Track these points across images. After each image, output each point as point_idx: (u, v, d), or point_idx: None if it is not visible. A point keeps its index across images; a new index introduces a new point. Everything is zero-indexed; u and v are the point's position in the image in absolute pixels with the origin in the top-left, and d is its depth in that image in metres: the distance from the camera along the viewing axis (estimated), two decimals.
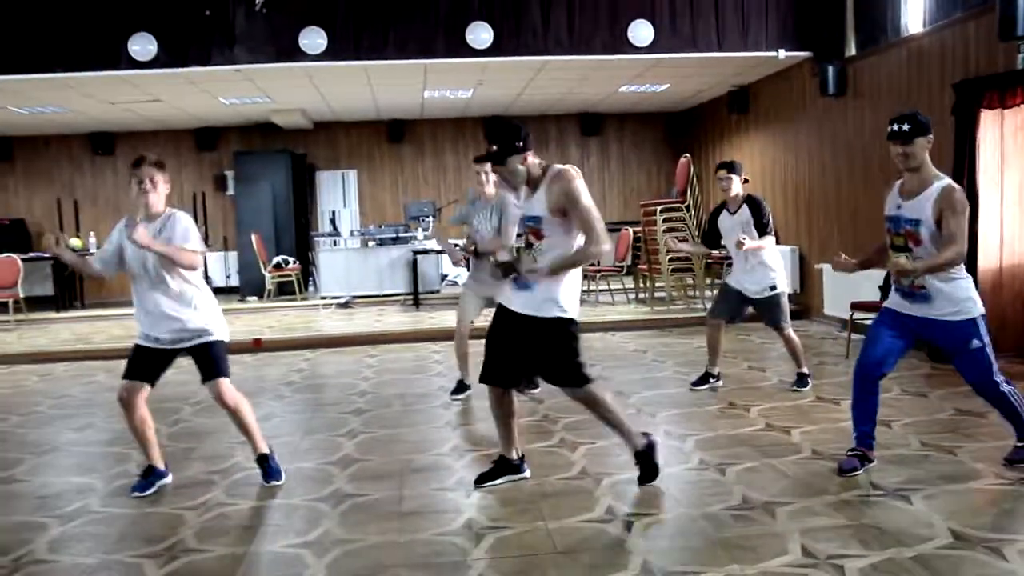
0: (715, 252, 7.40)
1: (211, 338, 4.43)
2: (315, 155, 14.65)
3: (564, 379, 4.18)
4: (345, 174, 14.82)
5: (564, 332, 4.08)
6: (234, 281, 13.91)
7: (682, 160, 11.86)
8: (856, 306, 7.61)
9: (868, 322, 6.04)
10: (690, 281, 11.20)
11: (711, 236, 6.42)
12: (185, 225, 4.32)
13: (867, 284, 7.46)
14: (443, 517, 3.97)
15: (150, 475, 4.53)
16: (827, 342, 8.47)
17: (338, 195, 14.85)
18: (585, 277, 12.03)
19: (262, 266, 12.80)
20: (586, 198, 3.95)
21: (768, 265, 6.12)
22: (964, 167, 6.85)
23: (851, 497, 3.98)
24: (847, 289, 8.33)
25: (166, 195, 4.38)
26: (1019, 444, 4.31)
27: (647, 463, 4.25)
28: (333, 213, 14.32)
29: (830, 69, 9.08)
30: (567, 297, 4.08)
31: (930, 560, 3.26)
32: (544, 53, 9.34)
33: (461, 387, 6.44)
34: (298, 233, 13.88)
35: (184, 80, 9.73)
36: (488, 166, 5.54)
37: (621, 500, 4.09)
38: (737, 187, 6.14)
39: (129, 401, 4.39)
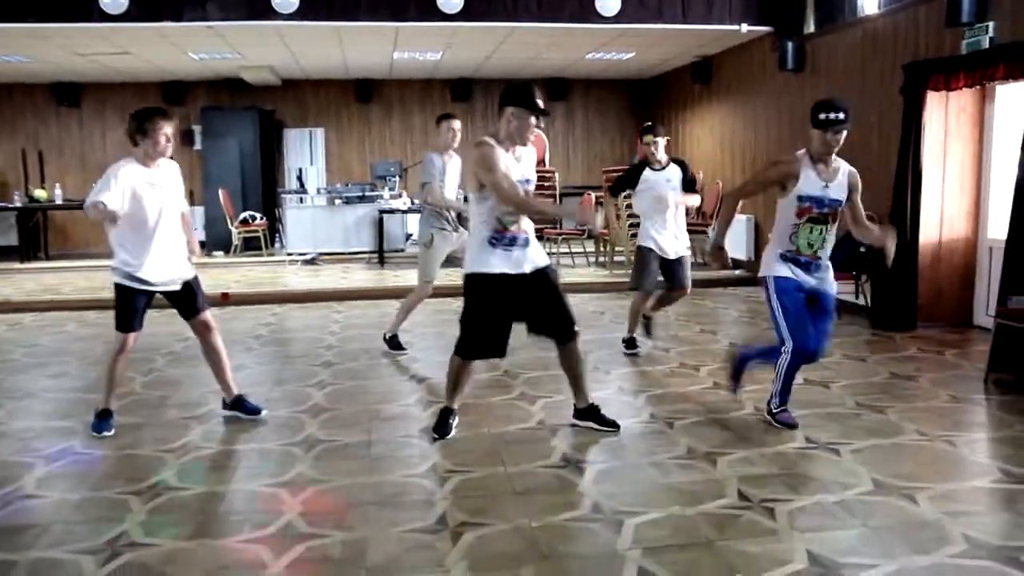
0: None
1: (194, 273, 4.83)
2: (283, 112, 14.67)
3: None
4: (313, 132, 14.88)
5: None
6: (200, 236, 13.90)
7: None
8: None
9: None
10: None
11: (624, 185, 6.70)
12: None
13: None
14: (409, 461, 4.26)
15: (108, 416, 4.80)
16: None
17: (305, 153, 14.92)
18: (548, 240, 12.31)
19: (229, 221, 12.90)
20: None
21: (683, 226, 6.50)
22: (910, 145, 7.19)
23: (786, 449, 4.33)
24: None
25: None
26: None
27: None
28: (300, 171, 14.39)
29: (789, 45, 9.38)
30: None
31: (851, 504, 3.61)
32: (513, 20, 9.49)
33: (397, 343, 6.79)
34: (265, 189, 13.97)
35: (154, 34, 9.74)
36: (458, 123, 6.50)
37: (575, 449, 4.41)
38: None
39: (128, 348, 4.71)
